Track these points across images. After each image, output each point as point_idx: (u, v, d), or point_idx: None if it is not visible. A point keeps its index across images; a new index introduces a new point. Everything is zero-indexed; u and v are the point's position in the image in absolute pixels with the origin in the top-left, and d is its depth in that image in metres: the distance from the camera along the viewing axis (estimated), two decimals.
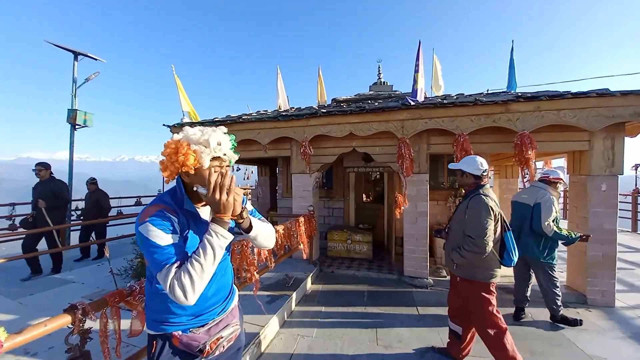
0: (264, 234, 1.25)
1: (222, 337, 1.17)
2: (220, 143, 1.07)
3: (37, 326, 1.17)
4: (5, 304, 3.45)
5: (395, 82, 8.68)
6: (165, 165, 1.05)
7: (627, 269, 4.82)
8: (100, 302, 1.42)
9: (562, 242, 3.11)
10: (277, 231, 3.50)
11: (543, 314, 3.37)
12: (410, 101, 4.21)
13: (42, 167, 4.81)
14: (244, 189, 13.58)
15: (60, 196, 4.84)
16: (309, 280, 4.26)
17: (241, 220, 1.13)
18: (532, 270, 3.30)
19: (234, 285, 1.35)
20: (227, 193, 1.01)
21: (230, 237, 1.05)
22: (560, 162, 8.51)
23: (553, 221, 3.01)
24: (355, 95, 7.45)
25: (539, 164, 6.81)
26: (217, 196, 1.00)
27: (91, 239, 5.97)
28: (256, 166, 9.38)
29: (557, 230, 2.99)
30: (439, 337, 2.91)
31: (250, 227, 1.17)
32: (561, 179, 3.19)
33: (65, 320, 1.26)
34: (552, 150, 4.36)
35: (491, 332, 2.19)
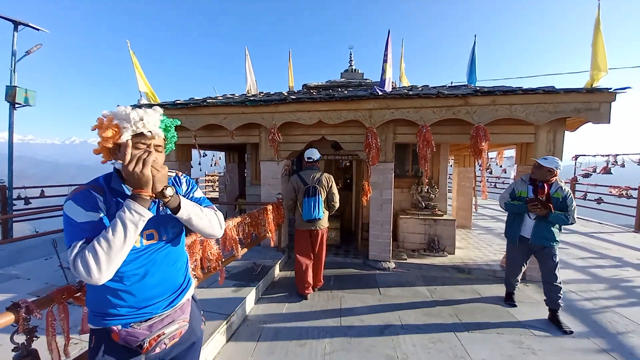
0: (199, 218, 1.17)
1: (163, 334, 1.13)
2: (143, 119, 1.04)
3: None
4: None
5: (367, 69, 8.73)
6: (99, 143, 1.06)
7: (561, 249, 5.48)
8: (46, 300, 1.34)
9: (515, 211, 3.11)
10: (242, 220, 3.48)
11: (491, 290, 3.76)
12: (378, 91, 4.29)
13: None
14: (211, 176, 13.11)
15: None
16: (277, 267, 4.32)
17: (166, 199, 1.07)
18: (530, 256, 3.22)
19: (190, 278, 1.32)
20: (141, 165, 0.99)
21: (147, 214, 1.02)
22: (511, 153, 9.23)
23: (513, 199, 3.13)
24: (326, 81, 7.39)
25: (493, 154, 7.35)
26: (130, 168, 0.98)
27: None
28: (224, 152, 9.08)
29: (507, 203, 3.16)
30: (397, 315, 3.14)
31: (178, 207, 1.10)
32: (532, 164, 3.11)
33: (8, 319, 1.18)
34: (504, 142, 4.73)
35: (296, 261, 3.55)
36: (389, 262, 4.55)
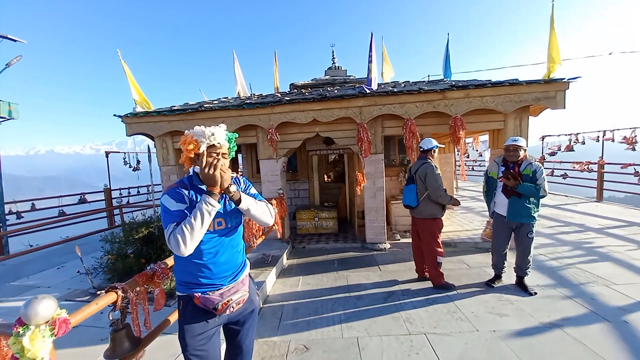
0: (256, 208, 1.54)
1: (231, 300, 1.48)
2: (214, 134, 1.42)
3: (89, 305, 1.40)
4: None
5: (349, 66, 9.14)
6: (182, 155, 1.47)
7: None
8: (132, 283, 1.67)
9: (488, 189, 3.47)
10: None
11: (474, 259, 4.31)
12: (366, 89, 4.70)
13: None
14: None
15: None
16: (285, 256, 4.70)
17: (231, 194, 1.45)
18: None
19: (246, 259, 1.71)
20: (213, 169, 1.35)
21: (218, 205, 1.39)
22: (485, 138, 9.96)
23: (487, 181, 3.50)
24: (312, 80, 7.72)
25: (469, 140, 7.99)
26: (206, 171, 1.36)
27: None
28: None
29: (483, 186, 3.57)
30: (397, 285, 3.63)
31: (239, 200, 1.46)
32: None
33: (112, 297, 1.51)
34: (478, 130, 5.30)
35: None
36: (385, 243, 5.04)
